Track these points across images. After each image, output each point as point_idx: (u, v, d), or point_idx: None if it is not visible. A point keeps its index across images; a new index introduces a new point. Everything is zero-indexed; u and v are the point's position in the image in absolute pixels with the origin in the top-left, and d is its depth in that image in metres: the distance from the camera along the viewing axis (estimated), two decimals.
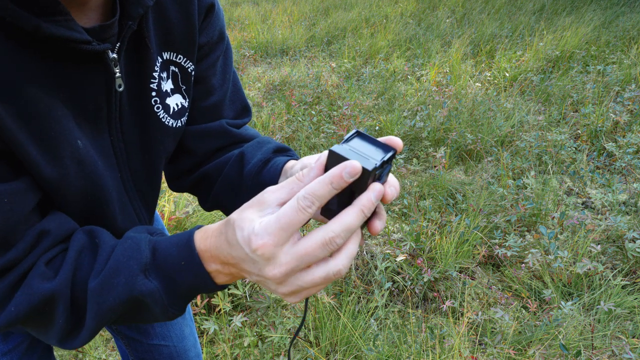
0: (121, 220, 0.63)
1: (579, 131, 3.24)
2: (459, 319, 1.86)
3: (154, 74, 0.60)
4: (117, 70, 0.54)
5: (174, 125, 0.64)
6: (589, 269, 1.91)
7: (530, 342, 1.71)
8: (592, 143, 3.11)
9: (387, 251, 2.14)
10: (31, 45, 0.46)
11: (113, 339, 1.81)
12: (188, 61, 0.64)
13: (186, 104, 0.65)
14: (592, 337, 1.69)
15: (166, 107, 0.62)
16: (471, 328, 1.82)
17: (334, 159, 0.43)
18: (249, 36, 5.71)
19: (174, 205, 2.28)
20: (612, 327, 1.75)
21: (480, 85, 4.05)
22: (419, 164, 2.99)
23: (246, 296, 1.94)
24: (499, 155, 2.96)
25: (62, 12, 0.45)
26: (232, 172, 0.68)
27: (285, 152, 0.69)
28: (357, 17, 6.17)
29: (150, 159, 0.64)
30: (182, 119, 0.65)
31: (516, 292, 2.00)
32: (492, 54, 4.73)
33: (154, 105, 0.61)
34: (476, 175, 2.84)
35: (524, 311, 1.90)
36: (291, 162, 0.62)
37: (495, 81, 4.13)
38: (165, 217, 2.22)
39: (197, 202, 2.41)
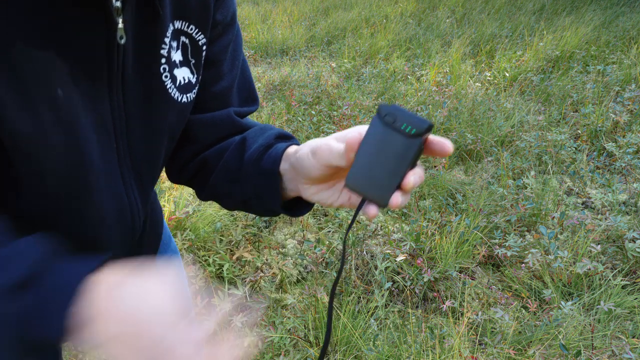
0: (106, 199, 0.57)
1: (579, 131, 3.24)
2: (459, 319, 1.86)
3: (165, 39, 0.55)
4: (120, 21, 0.49)
5: (180, 100, 0.59)
6: (589, 269, 1.91)
7: (530, 342, 1.71)
8: (592, 143, 3.11)
9: (387, 251, 2.14)
10: None
11: None
12: (200, 33, 0.60)
13: (193, 80, 0.61)
14: (592, 337, 1.69)
15: (174, 78, 0.58)
16: (471, 328, 1.82)
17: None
18: (249, 36, 5.71)
19: (174, 205, 2.28)
20: (612, 327, 1.75)
21: (480, 85, 4.05)
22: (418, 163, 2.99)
23: (246, 296, 1.94)
24: (499, 155, 2.96)
25: None
26: (232, 158, 0.65)
27: (288, 139, 0.66)
28: (357, 17, 6.17)
29: (152, 132, 0.59)
30: (189, 95, 0.61)
31: (516, 292, 2.00)
32: (492, 54, 4.73)
33: (162, 73, 0.56)
34: (476, 175, 2.84)
35: (524, 311, 1.90)
36: (294, 147, 0.59)
37: (495, 81, 4.13)
38: (166, 217, 2.22)
39: (197, 202, 2.41)
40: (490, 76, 4.20)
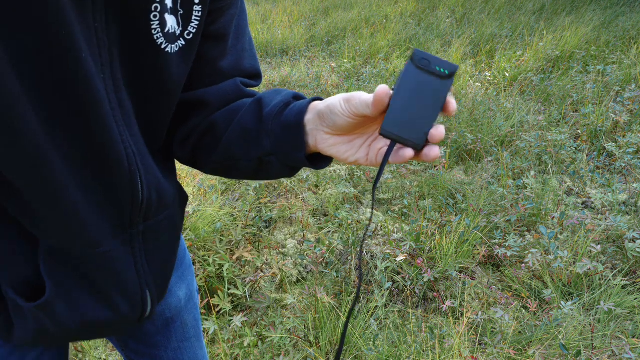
0: (109, 139, 0.51)
1: (579, 131, 3.24)
2: (459, 319, 1.86)
3: None
4: None
5: (163, 47, 0.53)
6: (589, 269, 1.91)
7: (530, 342, 1.71)
8: (592, 143, 3.11)
9: (387, 251, 2.14)
10: None
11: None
12: None
13: (178, 32, 0.56)
14: (592, 337, 1.69)
15: (163, 23, 0.52)
16: (471, 328, 1.82)
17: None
18: None
19: None
20: (612, 327, 1.75)
21: (480, 85, 4.05)
22: (419, 164, 2.99)
23: (246, 296, 1.94)
24: (499, 155, 2.96)
25: None
26: (248, 116, 0.63)
27: (304, 99, 0.65)
28: (357, 17, 6.17)
29: (134, 73, 0.53)
30: (172, 46, 0.55)
31: (516, 292, 2.00)
32: (492, 54, 4.73)
33: (152, 12, 0.50)
34: (476, 175, 2.84)
35: (524, 311, 1.90)
36: (317, 104, 0.58)
37: (495, 81, 4.13)
38: None
39: (197, 202, 2.41)
40: (490, 76, 4.20)
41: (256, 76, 0.72)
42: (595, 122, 3.18)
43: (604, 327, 1.76)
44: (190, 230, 2.15)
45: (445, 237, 2.11)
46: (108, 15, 0.47)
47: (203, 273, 1.94)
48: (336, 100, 0.54)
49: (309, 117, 0.59)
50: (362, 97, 0.52)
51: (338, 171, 2.86)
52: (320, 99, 0.61)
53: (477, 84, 4.06)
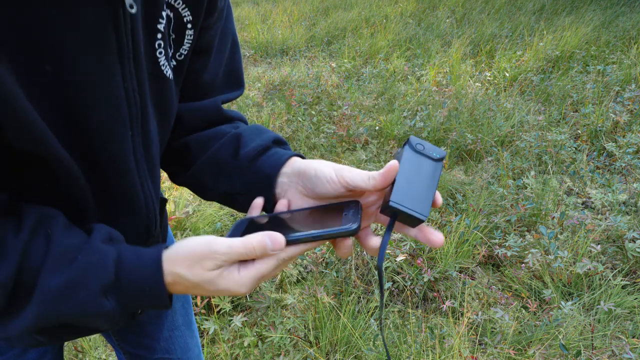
0: (120, 197, 0.54)
1: (579, 131, 3.24)
2: (459, 319, 1.86)
3: (162, 12, 0.50)
4: None
5: (167, 74, 0.55)
6: (589, 269, 1.91)
7: (530, 342, 1.71)
8: (592, 143, 3.11)
9: (387, 251, 2.14)
10: None
11: None
12: (186, 10, 0.55)
13: (170, 54, 0.57)
14: (592, 337, 1.69)
15: (166, 55, 0.54)
16: (471, 328, 1.82)
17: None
18: (249, 36, 5.71)
19: (173, 205, 2.28)
20: (612, 327, 1.75)
21: (480, 85, 4.05)
22: None
23: (246, 296, 1.94)
24: (499, 155, 2.96)
25: None
26: (224, 152, 0.63)
27: (284, 144, 0.65)
28: (357, 17, 6.17)
29: (160, 115, 0.55)
30: (170, 71, 0.57)
31: (516, 292, 2.00)
32: (492, 54, 4.73)
33: (157, 49, 0.51)
34: (476, 175, 2.84)
35: (524, 311, 1.90)
36: (299, 161, 0.58)
37: (495, 81, 4.13)
38: None
39: (197, 202, 2.41)
40: (490, 76, 4.20)
41: (237, 84, 0.71)
42: (595, 122, 3.19)
43: (604, 327, 1.76)
44: (190, 230, 2.15)
45: (445, 237, 2.11)
46: (138, 72, 0.48)
47: None
48: (326, 168, 0.54)
49: (285, 171, 0.58)
50: (359, 171, 0.53)
51: None
52: (301, 156, 0.61)
53: (477, 84, 4.06)
